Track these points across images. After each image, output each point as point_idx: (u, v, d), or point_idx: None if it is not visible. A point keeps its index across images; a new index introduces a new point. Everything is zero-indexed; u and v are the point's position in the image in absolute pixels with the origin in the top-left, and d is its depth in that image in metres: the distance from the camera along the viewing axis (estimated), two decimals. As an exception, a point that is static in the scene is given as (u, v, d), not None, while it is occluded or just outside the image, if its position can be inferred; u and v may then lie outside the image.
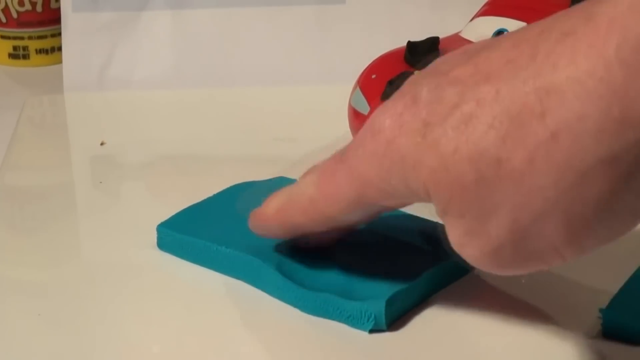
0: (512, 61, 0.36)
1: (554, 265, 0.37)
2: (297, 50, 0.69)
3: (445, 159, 0.37)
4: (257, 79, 0.69)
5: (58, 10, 0.70)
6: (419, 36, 0.57)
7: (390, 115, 0.38)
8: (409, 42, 0.57)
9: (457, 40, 0.59)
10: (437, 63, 0.40)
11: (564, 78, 0.34)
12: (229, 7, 0.69)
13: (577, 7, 0.35)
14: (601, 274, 0.46)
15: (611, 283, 0.44)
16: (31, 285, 0.47)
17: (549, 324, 0.43)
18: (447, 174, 0.37)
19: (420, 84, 0.38)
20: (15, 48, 0.74)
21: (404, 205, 0.41)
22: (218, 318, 0.45)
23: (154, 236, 0.49)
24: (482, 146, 0.36)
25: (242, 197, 0.51)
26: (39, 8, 0.73)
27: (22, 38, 0.73)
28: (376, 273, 0.45)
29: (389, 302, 0.43)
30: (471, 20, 0.60)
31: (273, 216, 0.44)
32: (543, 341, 0.42)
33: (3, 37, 0.74)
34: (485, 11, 0.59)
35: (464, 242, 0.38)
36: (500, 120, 0.35)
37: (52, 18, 0.73)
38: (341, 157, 0.41)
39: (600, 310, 0.42)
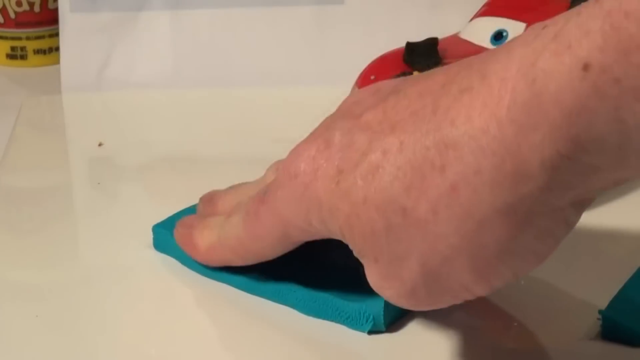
0: (416, 113, 0.37)
1: (468, 299, 0.39)
2: (296, 51, 0.69)
3: (356, 206, 0.38)
4: (256, 79, 0.69)
5: (56, 10, 0.70)
6: (418, 37, 0.57)
7: (304, 159, 0.40)
8: (408, 43, 0.57)
9: (456, 41, 0.59)
10: (350, 104, 0.41)
11: (460, 134, 0.35)
12: (227, 8, 0.69)
13: (475, 62, 0.37)
14: (601, 275, 0.46)
15: (610, 284, 0.44)
16: (29, 287, 0.47)
17: (548, 325, 0.43)
18: (359, 221, 0.38)
19: (333, 128, 0.40)
20: (13, 48, 0.74)
21: (330, 237, 0.41)
22: (215, 319, 0.45)
23: (150, 237, 0.49)
24: (389, 196, 0.37)
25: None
26: (36, 8, 0.73)
27: (19, 38, 0.73)
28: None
29: (388, 304, 0.42)
30: (470, 20, 0.60)
31: (204, 254, 0.46)
32: (542, 342, 0.42)
33: (1, 37, 0.73)
34: (485, 12, 0.59)
35: (382, 285, 0.39)
36: (404, 171, 0.37)
37: (50, 18, 0.73)
38: (263, 197, 0.43)
39: (600, 312, 0.42)
